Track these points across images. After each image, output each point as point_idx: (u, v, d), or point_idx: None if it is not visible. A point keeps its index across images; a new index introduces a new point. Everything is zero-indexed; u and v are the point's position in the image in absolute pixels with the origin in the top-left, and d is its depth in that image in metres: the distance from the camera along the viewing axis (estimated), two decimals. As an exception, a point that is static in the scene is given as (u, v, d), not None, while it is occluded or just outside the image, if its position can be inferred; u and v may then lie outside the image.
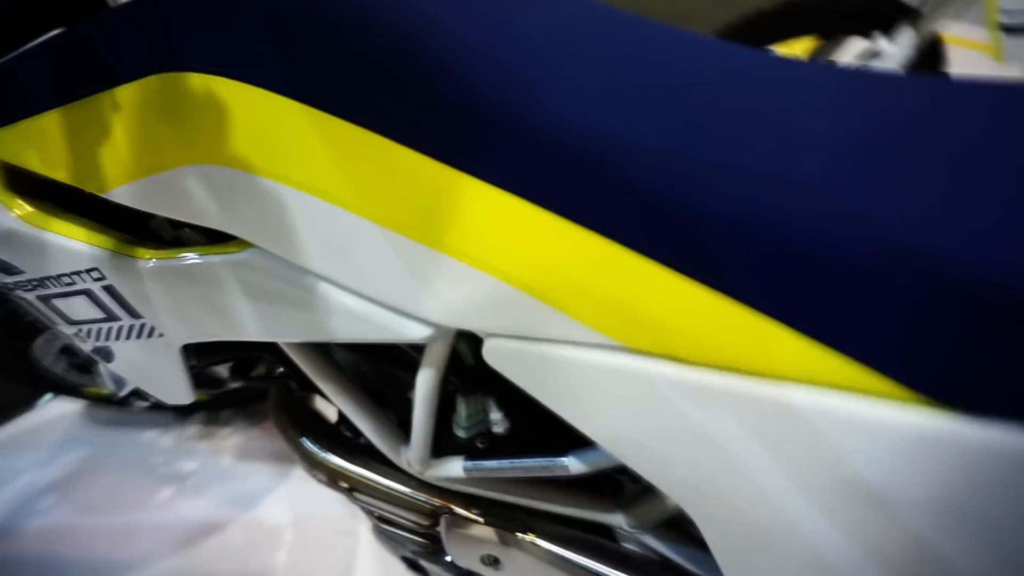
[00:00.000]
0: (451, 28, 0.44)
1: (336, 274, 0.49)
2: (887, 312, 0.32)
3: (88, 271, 0.63)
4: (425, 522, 0.66)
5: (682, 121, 0.38)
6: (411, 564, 0.77)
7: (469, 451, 0.61)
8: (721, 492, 0.41)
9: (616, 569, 0.58)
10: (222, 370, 0.87)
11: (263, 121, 0.47)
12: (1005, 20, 1.23)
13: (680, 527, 0.60)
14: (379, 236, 0.46)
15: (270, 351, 0.75)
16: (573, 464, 0.54)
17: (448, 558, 0.71)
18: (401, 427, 0.64)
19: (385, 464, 0.65)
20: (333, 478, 0.68)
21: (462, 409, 0.60)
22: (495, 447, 0.60)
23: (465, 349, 0.57)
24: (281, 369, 0.75)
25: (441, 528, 0.64)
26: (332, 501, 1.27)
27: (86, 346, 0.74)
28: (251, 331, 0.57)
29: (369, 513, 0.71)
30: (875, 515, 0.35)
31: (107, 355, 0.72)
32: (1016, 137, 0.37)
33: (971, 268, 0.30)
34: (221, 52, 0.48)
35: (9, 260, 0.69)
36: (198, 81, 0.48)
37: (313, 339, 0.54)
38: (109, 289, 0.63)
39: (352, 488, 0.67)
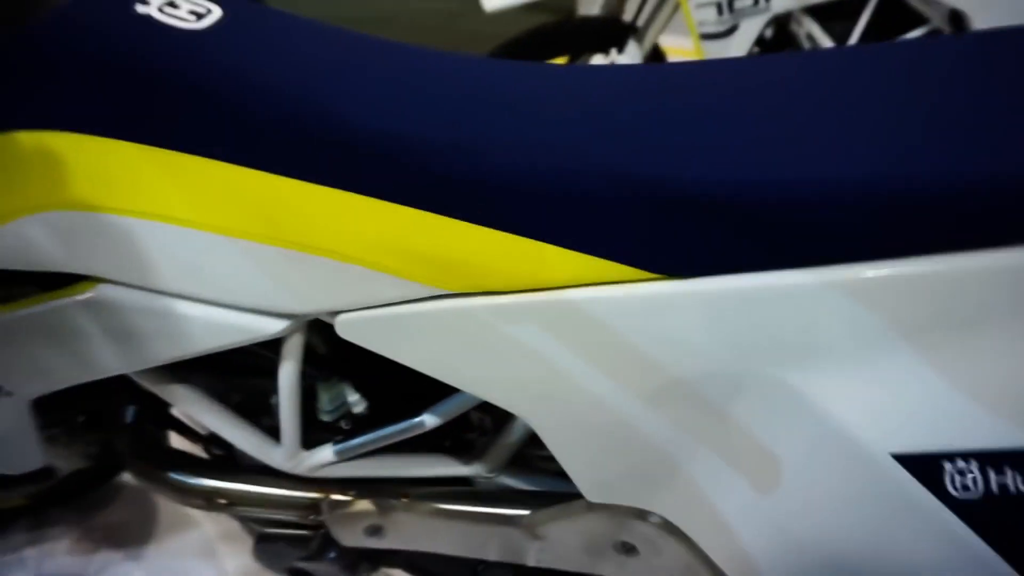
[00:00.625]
0: (253, 58, 0.53)
1: (192, 289, 0.56)
2: (618, 220, 0.47)
3: None
4: (308, 515, 0.72)
5: (457, 114, 0.51)
6: (297, 573, 0.82)
7: (336, 436, 0.69)
8: (548, 395, 0.53)
9: (480, 506, 0.69)
10: (55, 457, 0.85)
11: (98, 164, 0.53)
12: (701, 30, 1.61)
13: (526, 463, 0.72)
14: (228, 246, 0.54)
15: (123, 393, 0.77)
16: (428, 420, 0.65)
17: (334, 554, 0.77)
18: (268, 433, 0.70)
19: (259, 472, 0.71)
20: (210, 499, 0.72)
21: (323, 396, 0.67)
22: (358, 427, 0.69)
23: (317, 340, 0.66)
24: (132, 416, 0.77)
25: (324, 515, 0.70)
26: (196, 566, 1.24)
27: None
28: (111, 366, 0.61)
29: (253, 522, 0.75)
30: (648, 372, 0.50)
31: (-60, 436, 0.69)
32: (691, 96, 0.53)
33: (668, 184, 0.46)
34: (45, 109, 0.53)
35: None
36: (27, 138, 0.53)
37: (177, 357, 0.59)
38: None
39: (231, 503, 0.72)
